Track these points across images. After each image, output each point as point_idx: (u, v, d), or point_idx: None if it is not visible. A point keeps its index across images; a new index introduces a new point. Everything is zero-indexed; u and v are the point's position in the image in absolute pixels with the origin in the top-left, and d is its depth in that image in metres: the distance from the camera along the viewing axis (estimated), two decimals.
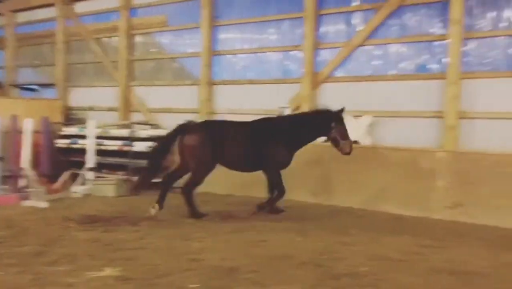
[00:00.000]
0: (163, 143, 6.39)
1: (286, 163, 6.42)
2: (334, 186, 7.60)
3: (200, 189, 8.55)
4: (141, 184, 6.43)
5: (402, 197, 6.98)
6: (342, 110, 6.37)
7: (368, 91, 7.88)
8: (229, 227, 5.64)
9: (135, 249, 4.59)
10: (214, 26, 9.60)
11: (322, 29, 8.44)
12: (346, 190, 7.45)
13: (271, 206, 6.43)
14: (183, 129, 6.29)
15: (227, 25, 9.53)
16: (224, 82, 9.51)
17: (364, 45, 7.95)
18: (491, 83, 6.85)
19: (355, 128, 7.66)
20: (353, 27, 8.11)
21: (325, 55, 8.41)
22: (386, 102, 7.64)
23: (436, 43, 7.35)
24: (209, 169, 6.28)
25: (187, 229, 5.45)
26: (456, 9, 6.90)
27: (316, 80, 8.32)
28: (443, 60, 7.22)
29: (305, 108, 8.27)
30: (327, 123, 6.30)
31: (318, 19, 8.37)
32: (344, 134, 6.29)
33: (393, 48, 7.76)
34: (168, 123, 9.73)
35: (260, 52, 9.19)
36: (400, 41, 7.65)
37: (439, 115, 7.12)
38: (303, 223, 6.03)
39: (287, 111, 8.43)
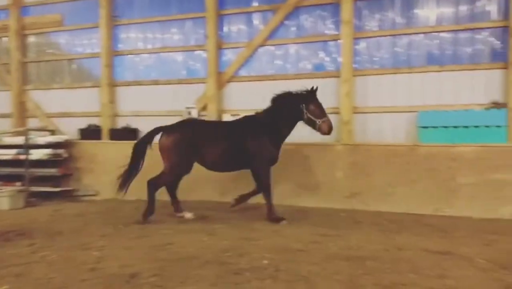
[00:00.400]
0: (140, 145, 6.22)
1: (273, 158, 6.16)
2: (241, 184, 7.69)
3: (108, 195, 8.36)
4: (124, 183, 6.18)
5: (306, 189, 7.30)
6: (312, 89, 6.08)
7: (272, 91, 8.07)
8: (133, 233, 5.47)
9: (28, 263, 4.28)
10: (114, 26, 9.28)
11: (225, 29, 8.53)
12: (253, 187, 7.58)
13: (270, 212, 6.10)
14: (160, 130, 6.26)
15: (127, 24, 9.26)
16: (127, 83, 9.24)
17: (265, 45, 8.19)
18: (379, 79, 7.42)
19: None
20: (254, 27, 8.30)
21: (229, 55, 8.51)
22: None
23: (330, 43, 7.78)
24: (181, 171, 6.16)
25: (87, 239, 5.20)
26: (346, 11, 7.37)
27: (221, 80, 8.39)
28: (338, 59, 7.68)
29: (211, 108, 8.32)
30: (296, 106, 6.02)
31: (220, 19, 8.46)
32: (318, 113, 5.95)
33: (293, 48, 8.08)
34: (68, 129, 9.27)
35: (164, 52, 9.05)
36: (297, 41, 7.98)
37: (336, 111, 7.54)
38: (211, 223, 6.04)
39: (194, 112, 8.41)
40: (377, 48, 7.49)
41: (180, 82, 8.82)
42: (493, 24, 6.83)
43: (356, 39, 7.48)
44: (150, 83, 9.07)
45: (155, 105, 8.90)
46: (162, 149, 6.08)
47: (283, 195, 7.32)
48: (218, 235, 5.38)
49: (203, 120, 6.59)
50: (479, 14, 6.95)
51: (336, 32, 7.65)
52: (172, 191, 6.42)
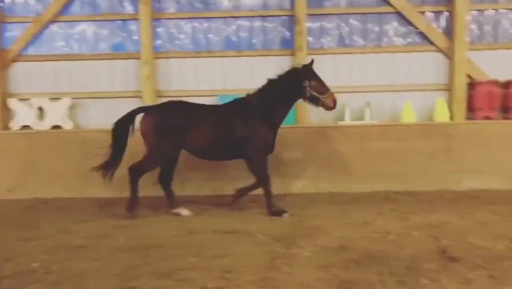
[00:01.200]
0: (120, 126, 5.48)
1: (268, 144, 5.45)
2: (36, 176, 6.86)
3: None
4: (107, 171, 5.46)
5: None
6: (311, 63, 5.44)
7: (67, 72, 7.40)
8: None
9: None
10: None
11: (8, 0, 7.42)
12: (50, 180, 6.82)
13: (269, 205, 5.44)
14: (142, 110, 5.52)
15: None
16: None
17: (58, 21, 7.38)
18: (182, 63, 7.36)
19: (54, 112, 7.16)
20: (44, 0, 7.39)
21: (16, 30, 7.44)
22: (86, 83, 7.35)
23: (130, 23, 7.39)
24: (162, 157, 5.41)
25: None
26: None
27: (4, 58, 7.30)
28: (138, 40, 7.34)
29: None
30: (297, 83, 5.36)
31: None
32: (321, 88, 5.37)
33: (89, 26, 7.44)
34: None
35: None
36: (94, 18, 7.39)
37: (137, 95, 7.24)
38: None
39: None
40: (178, 31, 7.40)
41: None
42: (283, 13, 7.33)
43: (156, 20, 7.25)
44: None
45: None
46: (142, 131, 5.40)
47: (87, 187, 6.75)
48: None
49: (190, 103, 5.70)
50: (272, 3, 7.37)
51: (135, 12, 7.29)
52: (164, 184, 5.69)
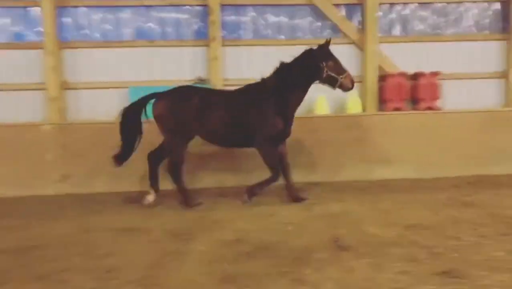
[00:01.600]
0: (131, 112, 5.33)
1: (279, 132, 5.19)
2: None
3: None
4: (122, 157, 5.35)
5: (8, 177, 6.38)
6: (327, 43, 5.16)
7: None
8: None
9: None
10: None
11: None
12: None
13: (259, 190, 5.31)
14: (154, 96, 5.37)
15: None
16: None
17: None
18: (90, 53, 6.99)
19: None
20: None
21: None
22: None
23: (32, 11, 6.91)
24: (184, 138, 5.23)
25: None
26: None
27: None
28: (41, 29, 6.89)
29: None
30: (314, 64, 5.12)
31: None
32: (339, 68, 5.16)
33: None
34: None
35: None
36: None
37: (42, 87, 6.80)
38: None
39: None
40: (87, 20, 7.03)
41: None
42: (196, 2, 7.16)
43: (61, 7, 6.83)
44: None
45: None
46: (156, 116, 5.26)
47: None
48: None
49: (201, 87, 5.46)
50: None
51: None
52: (153, 162, 5.50)
